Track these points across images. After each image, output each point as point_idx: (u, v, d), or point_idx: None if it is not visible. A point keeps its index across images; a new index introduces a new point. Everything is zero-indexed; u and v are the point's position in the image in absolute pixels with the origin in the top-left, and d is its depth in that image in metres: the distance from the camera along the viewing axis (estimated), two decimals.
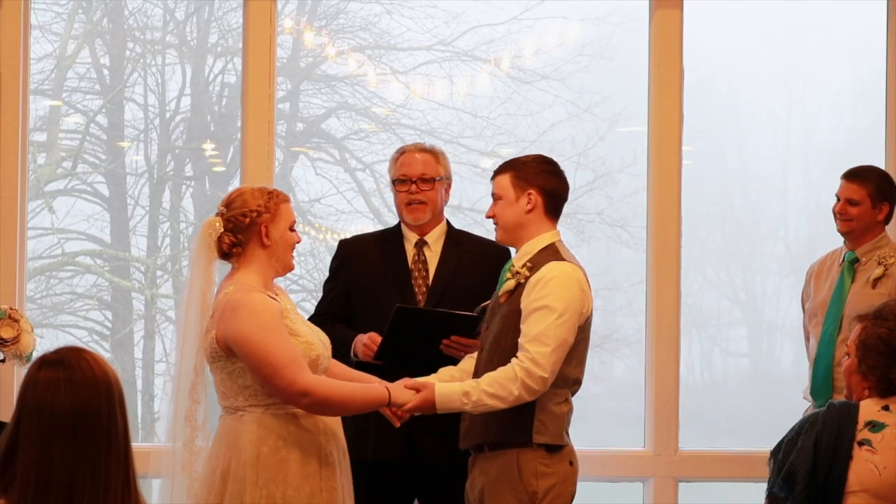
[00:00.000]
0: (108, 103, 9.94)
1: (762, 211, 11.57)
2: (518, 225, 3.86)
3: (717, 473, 5.56)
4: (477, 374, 3.84)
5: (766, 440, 3.68)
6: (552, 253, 3.79)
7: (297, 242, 3.72)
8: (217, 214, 3.65)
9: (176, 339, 3.74)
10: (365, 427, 4.21)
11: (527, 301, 3.72)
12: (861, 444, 3.44)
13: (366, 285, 4.44)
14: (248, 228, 3.61)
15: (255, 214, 3.61)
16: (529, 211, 3.82)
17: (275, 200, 3.66)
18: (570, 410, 3.83)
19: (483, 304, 4.09)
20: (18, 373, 5.11)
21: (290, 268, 3.74)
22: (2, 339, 4.40)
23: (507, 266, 3.91)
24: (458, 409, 3.66)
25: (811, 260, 5.06)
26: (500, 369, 3.67)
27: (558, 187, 3.89)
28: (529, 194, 3.82)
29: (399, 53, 9.94)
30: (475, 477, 3.80)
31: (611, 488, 5.99)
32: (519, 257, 3.87)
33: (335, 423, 3.72)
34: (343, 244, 4.57)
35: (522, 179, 3.83)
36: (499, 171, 3.89)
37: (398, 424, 3.81)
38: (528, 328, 3.68)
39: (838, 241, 4.93)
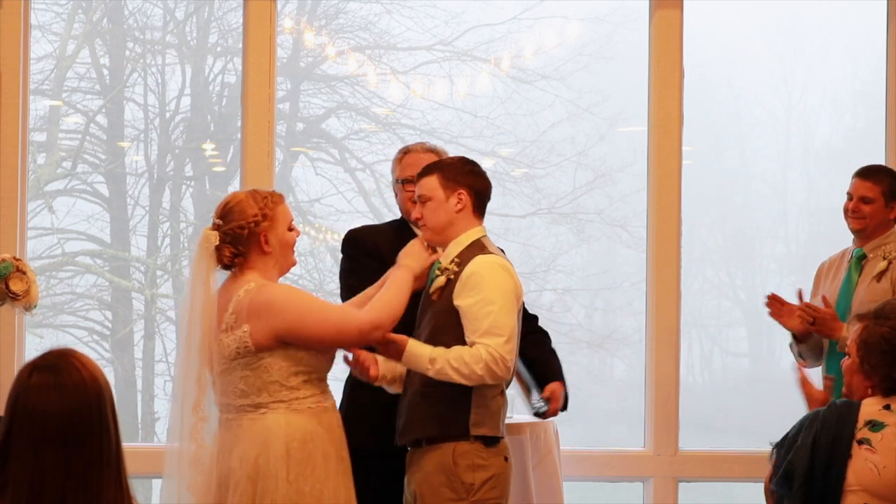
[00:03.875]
0: (108, 103, 9.95)
1: (762, 211, 11.58)
2: (448, 224, 3.90)
3: (717, 473, 5.56)
4: (409, 373, 3.87)
5: (766, 440, 3.68)
6: (479, 248, 3.85)
7: (297, 237, 3.75)
8: (213, 227, 3.63)
9: (178, 356, 3.73)
10: (354, 415, 4.18)
11: (461, 299, 3.76)
12: (861, 442, 3.44)
13: None
14: (247, 239, 3.62)
15: (252, 225, 3.61)
16: (459, 210, 3.87)
17: (270, 206, 3.65)
18: (506, 402, 3.88)
19: (539, 408, 4.16)
20: (20, 319, 5.14)
21: (292, 264, 3.77)
22: (15, 293, 4.34)
23: (436, 263, 3.94)
24: (422, 369, 3.69)
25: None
26: (466, 349, 3.70)
27: (485, 187, 3.96)
28: (460, 194, 3.87)
29: (399, 53, 9.95)
30: (413, 472, 3.81)
31: (611, 488, 5.99)
32: (447, 254, 3.91)
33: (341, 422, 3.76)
34: (359, 234, 4.48)
35: (451, 180, 3.88)
36: (424, 174, 3.93)
37: (365, 372, 3.80)
38: (477, 324, 3.71)
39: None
